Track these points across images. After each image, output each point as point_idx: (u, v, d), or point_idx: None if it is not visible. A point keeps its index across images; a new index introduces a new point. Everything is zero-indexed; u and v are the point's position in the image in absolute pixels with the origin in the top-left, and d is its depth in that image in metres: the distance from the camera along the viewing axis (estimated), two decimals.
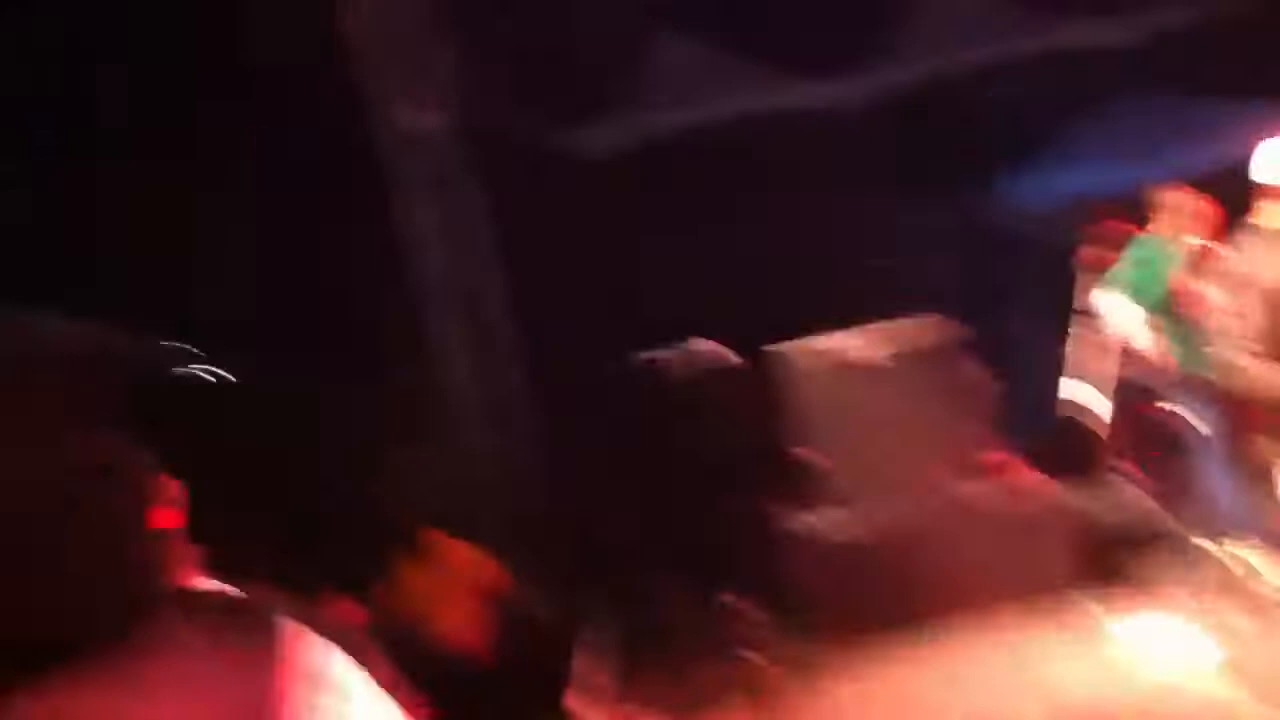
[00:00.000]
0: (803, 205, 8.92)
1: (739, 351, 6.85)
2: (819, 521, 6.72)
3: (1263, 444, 5.66)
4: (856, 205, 9.02)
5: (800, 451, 6.80)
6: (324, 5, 8.89)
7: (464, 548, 7.49)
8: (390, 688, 1.88)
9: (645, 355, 6.22)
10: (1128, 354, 7.33)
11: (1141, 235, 7.43)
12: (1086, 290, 7.66)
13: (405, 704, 1.93)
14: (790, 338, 7.07)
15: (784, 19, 9.70)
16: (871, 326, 7.00)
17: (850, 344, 6.94)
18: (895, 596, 6.42)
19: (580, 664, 3.98)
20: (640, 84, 9.86)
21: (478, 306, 9.67)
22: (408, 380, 9.44)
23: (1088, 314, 7.62)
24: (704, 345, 6.44)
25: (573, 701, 3.86)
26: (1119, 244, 7.56)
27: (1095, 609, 6.38)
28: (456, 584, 7.37)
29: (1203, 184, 7.30)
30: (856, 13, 9.87)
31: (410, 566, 7.38)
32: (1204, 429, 6.60)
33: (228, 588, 1.98)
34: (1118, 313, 7.27)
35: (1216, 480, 6.50)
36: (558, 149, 9.56)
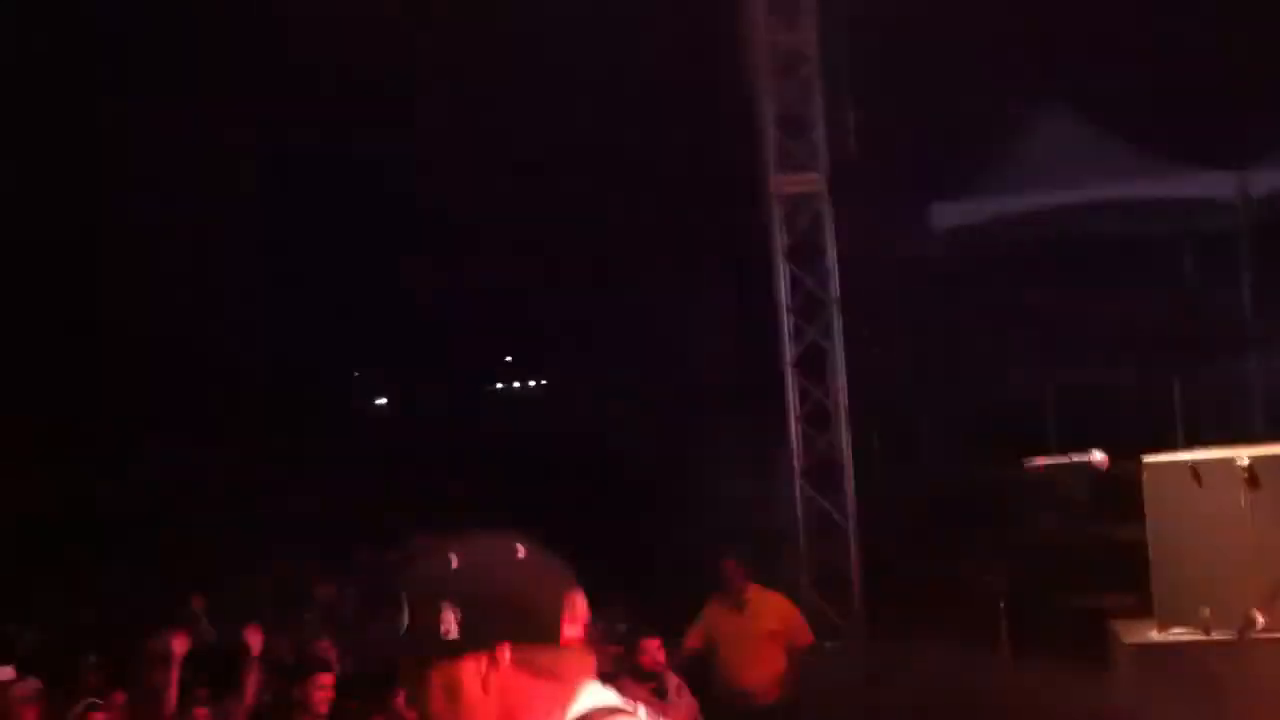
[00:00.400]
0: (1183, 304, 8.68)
1: (1113, 458, 6.67)
2: (1156, 635, 6.51)
3: None
4: (1236, 310, 8.74)
5: (1156, 562, 6.57)
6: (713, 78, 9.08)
7: (777, 598, 7.62)
8: None
9: (1034, 461, 6.14)
10: None
11: None
12: None
13: None
14: (1167, 449, 6.89)
15: (1172, 108, 9.49)
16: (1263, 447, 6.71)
17: (1225, 459, 6.67)
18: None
19: None
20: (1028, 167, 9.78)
21: (832, 379, 9.66)
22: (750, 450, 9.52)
23: None
24: (1095, 454, 6.31)
25: None
26: None
27: None
28: (763, 630, 7.50)
29: None
30: (1245, 106, 9.60)
31: (720, 611, 7.57)
32: None
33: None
34: None
35: None
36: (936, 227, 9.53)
